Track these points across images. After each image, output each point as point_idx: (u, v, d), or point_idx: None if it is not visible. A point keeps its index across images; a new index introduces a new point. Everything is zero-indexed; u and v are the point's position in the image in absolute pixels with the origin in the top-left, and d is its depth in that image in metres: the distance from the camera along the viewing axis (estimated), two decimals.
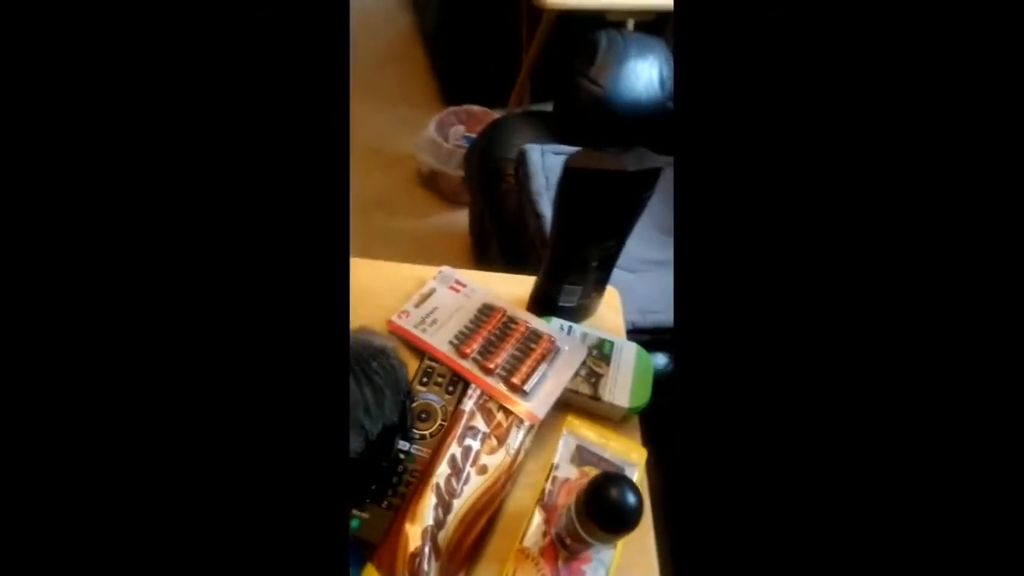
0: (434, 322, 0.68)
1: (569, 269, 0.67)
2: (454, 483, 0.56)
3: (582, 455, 0.59)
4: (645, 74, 1.49)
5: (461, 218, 1.93)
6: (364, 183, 2.04)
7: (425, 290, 0.72)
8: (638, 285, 1.29)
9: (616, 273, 1.30)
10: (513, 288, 0.77)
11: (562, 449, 0.60)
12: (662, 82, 1.51)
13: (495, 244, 1.47)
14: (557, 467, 0.59)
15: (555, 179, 1.44)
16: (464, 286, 0.73)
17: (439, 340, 0.67)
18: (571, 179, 0.60)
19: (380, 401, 0.54)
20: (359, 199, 1.98)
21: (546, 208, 1.32)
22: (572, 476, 0.58)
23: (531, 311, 0.73)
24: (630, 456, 0.60)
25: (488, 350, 0.66)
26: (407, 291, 0.72)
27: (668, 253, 1.33)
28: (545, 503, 0.57)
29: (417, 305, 0.70)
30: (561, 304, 0.71)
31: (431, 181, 2.06)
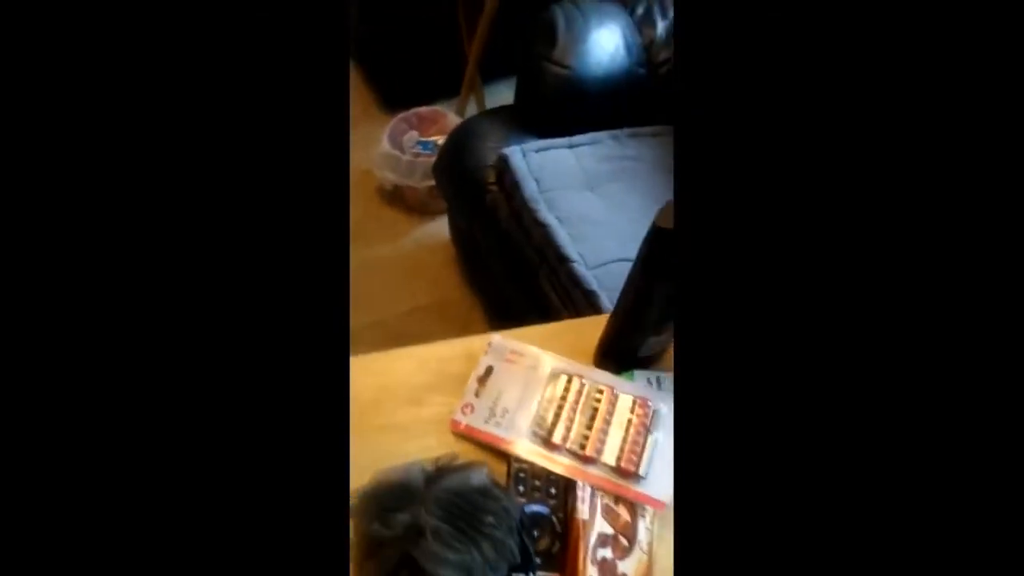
0: (505, 411, 0.57)
1: (657, 320, 0.56)
2: None
3: None
4: (611, 44, 1.37)
5: (437, 228, 1.78)
6: None
7: (481, 371, 0.59)
8: None
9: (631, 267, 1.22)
10: (570, 338, 0.65)
11: None
12: (628, 48, 1.39)
13: (495, 259, 1.35)
14: None
15: (548, 180, 1.29)
16: (522, 355, 0.61)
17: (519, 433, 0.55)
18: (664, 241, 0.49)
19: (502, 552, 0.43)
20: None
21: (548, 215, 1.20)
22: None
23: (602, 366, 0.62)
24: None
25: (581, 434, 0.55)
26: (451, 375, 0.59)
27: None
28: None
29: (478, 394, 0.58)
30: (641, 355, 0.60)
31: (396, 197, 1.91)
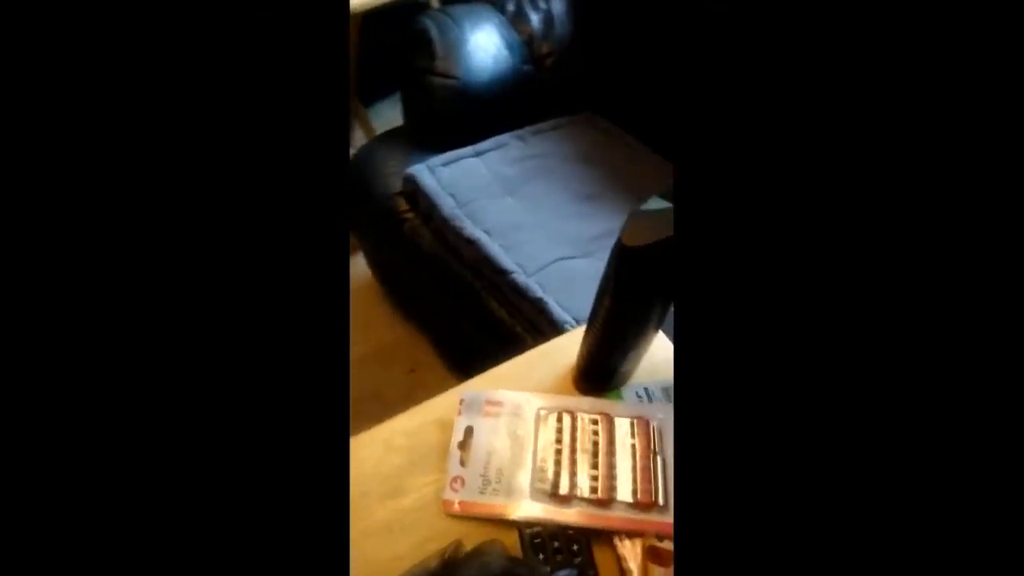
0: (499, 473, 0.49)
1: (636, 334, 0.50)
2: None
3: None
4: (491, 45, 1.31)
5: (353, 270, 1.67)
6: None
7: (459, 435, 0.50)
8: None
9: (572, 264, 1.16)
10: (543, 368, 0.58)
11: None
12: (509, 47, 1.34)
13: (428, 289, 1.26)
14: None
15: (464, 194, 1.23)
16: (499, 403, 0.52)
17: (521, 493, 0.47)
18: (633, 261, 0.43)
19: None
20: None
21: (474, 230, 1.12)
22: None
23: (585, 391, 0.55)
24: None
25: (589, 476, 0.48)
26: (427, 448, 0.51)
27: (599, 222, 1.19)
28: None
29: (463, 462, 0.49)
30: (624, 370, 0.54)
31: None
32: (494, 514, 0.47)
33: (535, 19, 1.37)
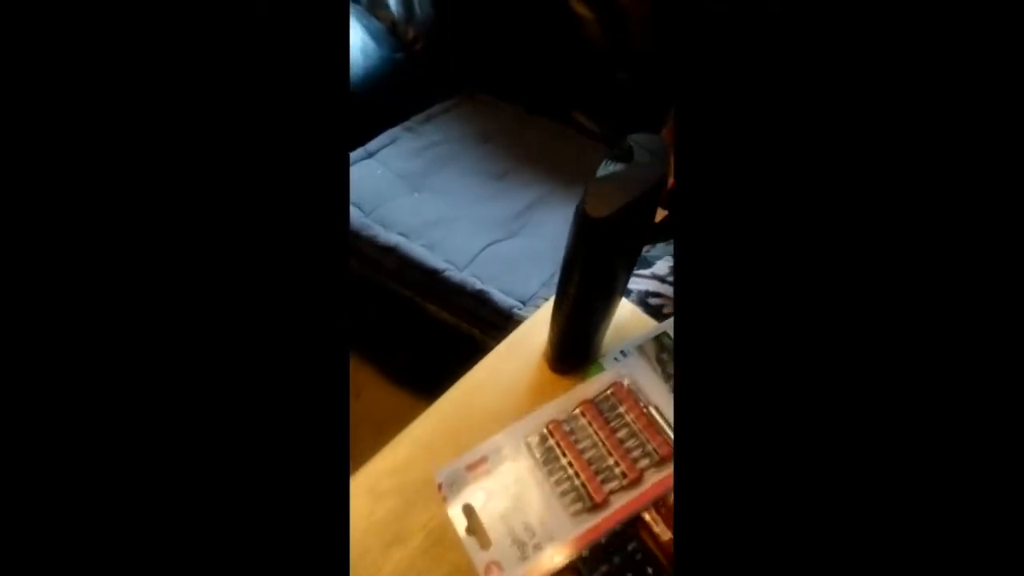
0: (527, 527, 0.43)
1: (607, 304, 0.47)
2: None
3: None
4: (356, 39, 1.19)
5: None
6: None
7: (462, 521, 0.42)
8: (526, 244, 1.08)
9: (502, 247, 1.09)
10: (512, 364, 0.51)
11: None
12: (373, 35, 1.23)
13: (357, 308, 1.17)
14: None
15: (369, 200, 1.16)
16: (483, 460, 0.44)
17: (564, 531, 0.41)
18: (599, 232, 0.38)
19: None
20: None
21: (388, 236, 1.03)
22: None
23: (562, 371, 0.51)
24: None
25: (608, 466, 0.44)
26: (417, 479, 0.44)
27: (518, 199, 1.14)
28: None
29: (484, 546, 0.41)
30: (597, 342, 0.50)
31: None
32: (553, 570, 0.42)
33: (393, 3, 1.27)
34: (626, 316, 0.55)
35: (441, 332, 1.04)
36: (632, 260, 0.44)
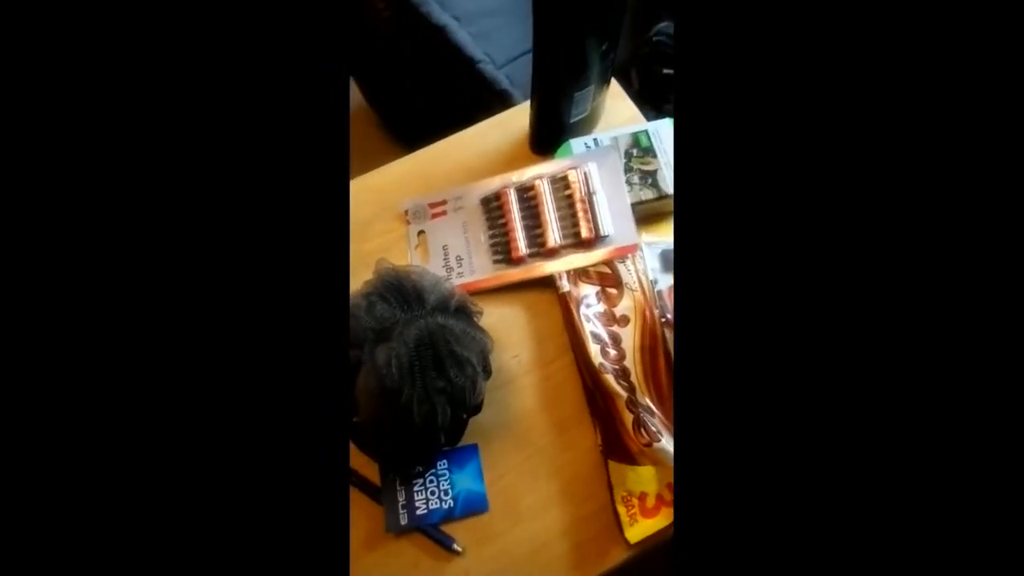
0: (458, 260, 0.54)
1: (575, 73, 0.49)
2: (612, 351, 0.48)
3: (669, 260, 0.52)
4: None
5: None
6: None
7: (414, 240, 0.54)
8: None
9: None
10: (494, 138, 0.58)
11: (651, 263, 0.52)
12: None
13: (385, 75, 1.19)
14: (656, 283, 0.51)
15: None
16: (443, 202, 0.54)
17: (485, 269, 0.52)
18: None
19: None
20: None
21: (442, 15, 1.03)
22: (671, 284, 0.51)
23: (540, 151, 0.57)
24: None
25: (534, 237, 0.52)
26: (391, 200, 0.54)
27: None
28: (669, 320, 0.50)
29: (423, 261, 0.53)
30: (573, 120, 0.54)
31: None
32: (469, 290, 0.51)
33: None
34: (625, 113, 0.60)
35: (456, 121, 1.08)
36: (604, 40, 0.46)
